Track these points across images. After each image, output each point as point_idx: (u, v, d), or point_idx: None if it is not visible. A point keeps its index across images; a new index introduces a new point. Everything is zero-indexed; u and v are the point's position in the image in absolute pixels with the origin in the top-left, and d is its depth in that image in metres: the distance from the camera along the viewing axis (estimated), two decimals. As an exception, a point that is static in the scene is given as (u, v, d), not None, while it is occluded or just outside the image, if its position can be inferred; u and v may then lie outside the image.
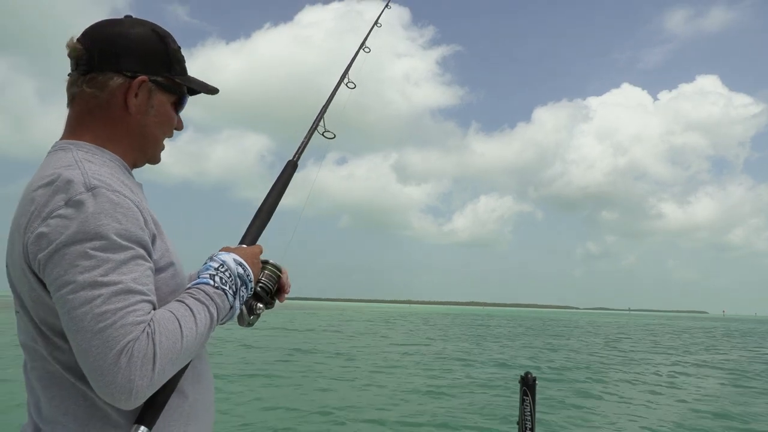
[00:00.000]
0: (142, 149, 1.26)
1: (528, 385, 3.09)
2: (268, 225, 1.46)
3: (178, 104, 1.31)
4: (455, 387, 12.15)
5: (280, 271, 1.35)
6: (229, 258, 1.19)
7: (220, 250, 1.24)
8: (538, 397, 3.11)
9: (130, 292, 0.99)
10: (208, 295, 1.10)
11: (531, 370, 3.17)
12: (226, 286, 1.14)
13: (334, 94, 2.02)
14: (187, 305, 1.06)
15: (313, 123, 1.82)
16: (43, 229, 0.99)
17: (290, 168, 1.61)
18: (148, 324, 0.99)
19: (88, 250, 0.97)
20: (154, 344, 0.97)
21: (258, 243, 1.39)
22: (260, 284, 1.30)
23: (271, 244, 1.41)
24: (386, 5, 2.84)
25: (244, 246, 1.33)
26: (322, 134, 1.82)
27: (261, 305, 1.29)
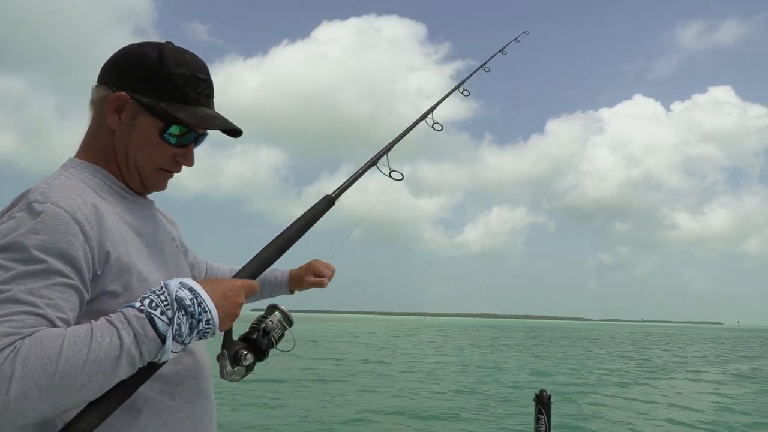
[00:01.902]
0: (131, 174, 1.18)
1: (543, 403, 3.01)
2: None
3: (170, 134, 1.15)
4: (466, 403, 11.99)
5: (290, 323, 1.12)
6: (174, 281, 0.99)
7: None
8: (553, 416, 3.03)
9: (16, 301, 0.89)
10: (125, 317, 0.92)
11: (546, 387, 3.09)
12: (156, 310, 0.93)
13: (410, 130, 1.74)
14: (90, 327, 0.91)
15: (373, 158, 1.56)
16: None
17: (325, 203, 1.39)
18: (22, 338, 0.86)
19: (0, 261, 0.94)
20: (14, 361, 0.83)
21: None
22: (263, 331, 1.08)
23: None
24: (500, 50, 2.64)
25: (223, 279, 1.10)
26: (389, 175, 1.55)
27: (250, 356, 1.04)
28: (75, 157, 1.19)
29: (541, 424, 3.00)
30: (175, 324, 0.94)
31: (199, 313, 0.97)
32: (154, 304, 0.94)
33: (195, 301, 0.97)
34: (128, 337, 0.91)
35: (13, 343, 0.86)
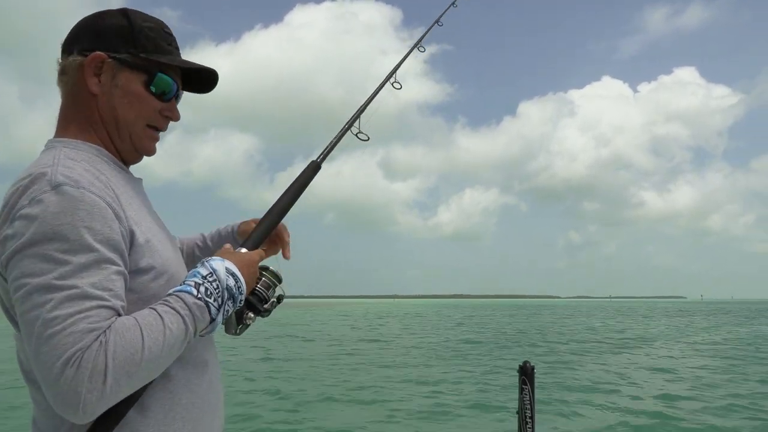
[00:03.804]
0: (121, 136, 1.16)
1: (527, 374, 3.08)
2: None
3: (155, 87, 1.17)
4: (450, 378, 12.18)
5: (279, 280, 1.27)
6: (221, 266, 1.08)
7: (216, 253, 1.15)
8: (536, 385, 3.11)
9: (86, 297, 0.91)
10: (186, 305, 1.00)
11: (529, 358, 3.16)
12: (210, 298, 1.03)
13: (377, 93, 1.89)
14: (158, 314, 0.97)
15: (347, 122, 1.71)
16: (8, 231, 0.96)
17: (311, 170, 1.50)
18: (104, 332, 0.90)
19: (46, 252, 0.92)
20: (106, 355, 0.89)
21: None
22: (255, 292, 1.21)
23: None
24: (451, 4, 2.63)
25: (243, 250, 1.22)
26: (356, 135, 1.72)
27: (252, 315, 1.21)
28: (58, 136, 1.14)
29: (525, 395, 3.08)
30: (224, 310, 1.07)
31: (238, 295, 1.11)
32: (208, 293, 1.04)
33: (235, 286, 1.09)
34: (191, 324, 1.01)
35: (98, 338, 0.90)
